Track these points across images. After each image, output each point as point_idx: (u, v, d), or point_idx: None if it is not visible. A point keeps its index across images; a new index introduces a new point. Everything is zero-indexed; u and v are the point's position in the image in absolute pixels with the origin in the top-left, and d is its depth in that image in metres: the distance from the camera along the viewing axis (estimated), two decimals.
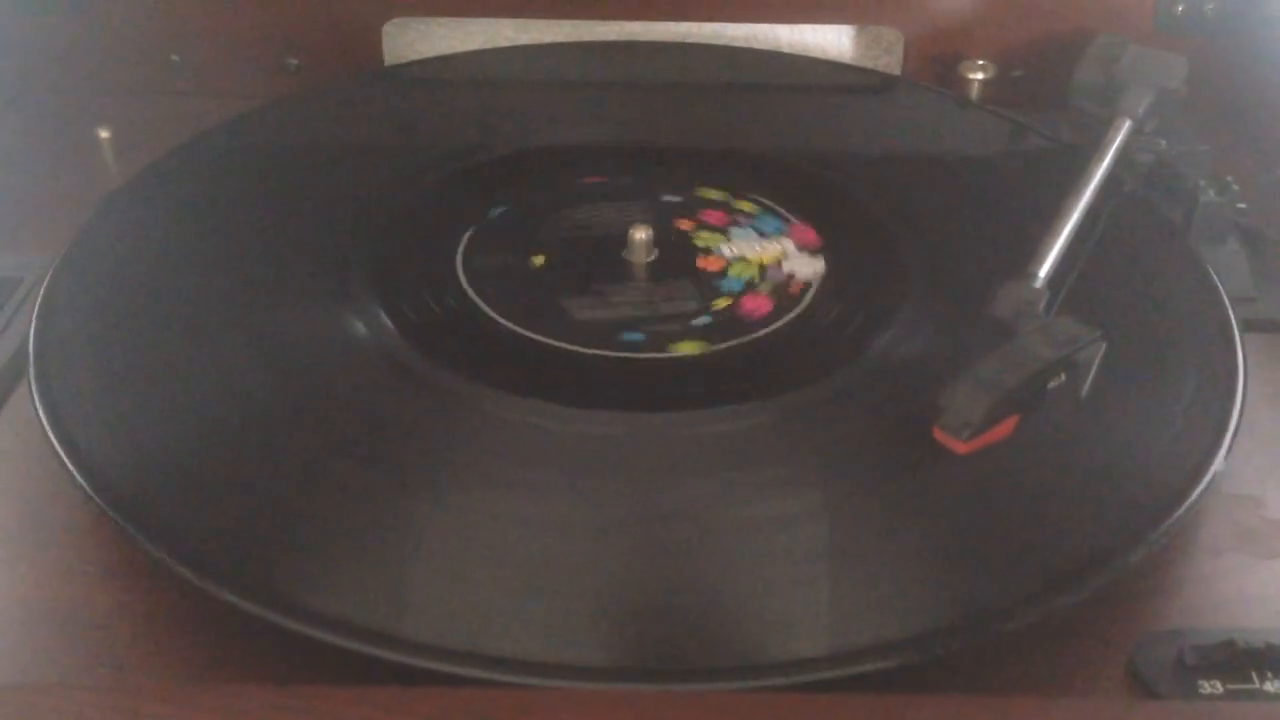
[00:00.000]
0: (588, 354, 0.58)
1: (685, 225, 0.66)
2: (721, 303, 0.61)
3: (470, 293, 0.61)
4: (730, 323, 0.60)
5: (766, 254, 0.64)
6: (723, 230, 0.66)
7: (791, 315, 0.60)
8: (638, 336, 0.59)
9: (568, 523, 0.49)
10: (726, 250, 0.64)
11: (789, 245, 0.64)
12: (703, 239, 0.65)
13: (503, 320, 0.60)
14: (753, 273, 0.63)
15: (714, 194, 0.69)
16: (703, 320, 0.60)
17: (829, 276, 0.63)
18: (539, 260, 0.64)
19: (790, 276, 0.62)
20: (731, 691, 0.43)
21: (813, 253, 0.64)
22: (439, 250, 0.64)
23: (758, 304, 0.61)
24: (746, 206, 0.68)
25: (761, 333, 0.59)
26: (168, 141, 0.72)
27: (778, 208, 0.68)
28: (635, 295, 0.62)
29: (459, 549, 0.48)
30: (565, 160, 0.72)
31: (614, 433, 0.54)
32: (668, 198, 0.68)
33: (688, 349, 0.58)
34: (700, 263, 0.64)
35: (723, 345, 0.58)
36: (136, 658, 0.47)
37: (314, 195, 0.69)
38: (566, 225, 0.66)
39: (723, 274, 0.63)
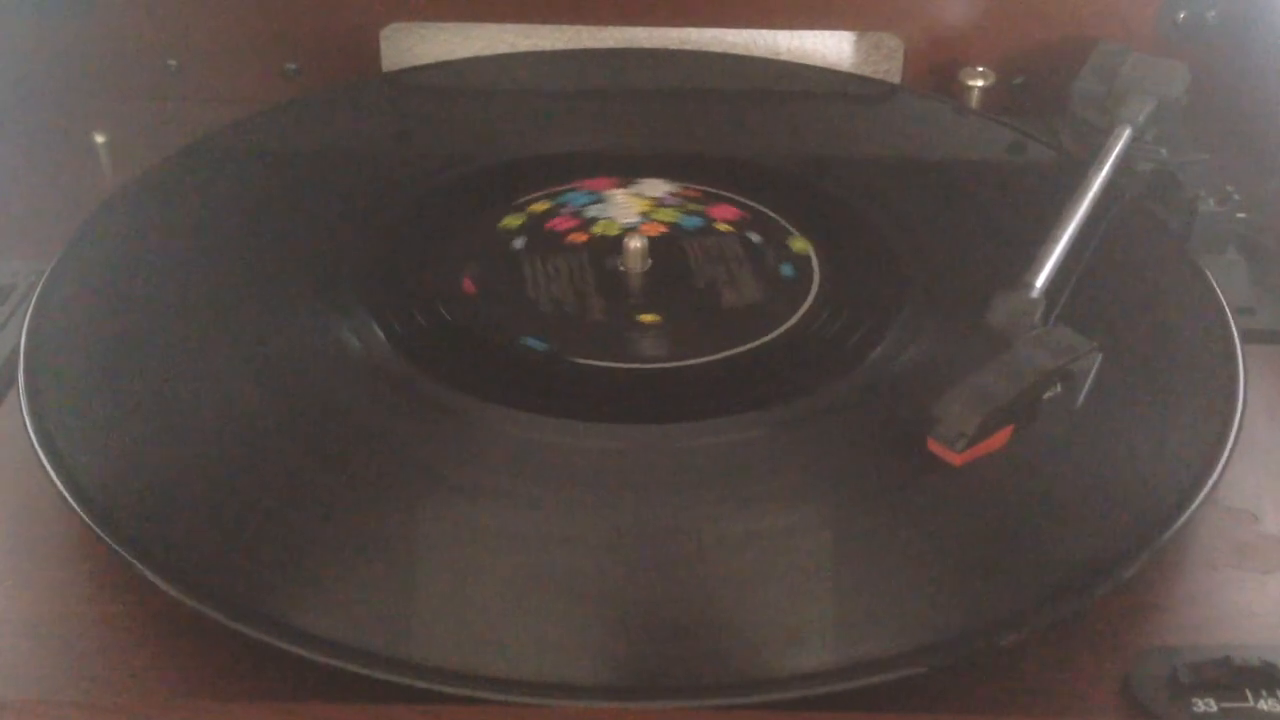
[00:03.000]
0: (583, 366, 0.57)
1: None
2: (644, 319, 0.61)
3: (465, 304, 0.61)
4: (613, 345, 0.59)
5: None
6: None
7: (787, 325, 0.60)
8: (524, 318, 0.60)
9: (561, 538, 0.49)
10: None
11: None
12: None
13: (498, 331, 0.59)
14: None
15: (799, 245, 0.66)
16: (592, 331, 0.60)
17: (822, 287, 0.62)
18: (535, 270, 0.63)
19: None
20: (730, 708, 0.43)
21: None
22: (435, 260, 0.64)
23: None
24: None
25: (758, 342, 0.59)
26: (164, 147, 0.72)
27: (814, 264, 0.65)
28: (580, 293, 0.62)
29: (452, 566, 0.48)
30: (563, 168, 0.72)
31: (610, 446, 0.53)
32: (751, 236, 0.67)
33: (542, 346, 0.58)
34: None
35: (581, 360, 0.58)
36: (124, 674, 0.46)
37: (310, 202, 0.68)
38: (563, 234, 0.66)
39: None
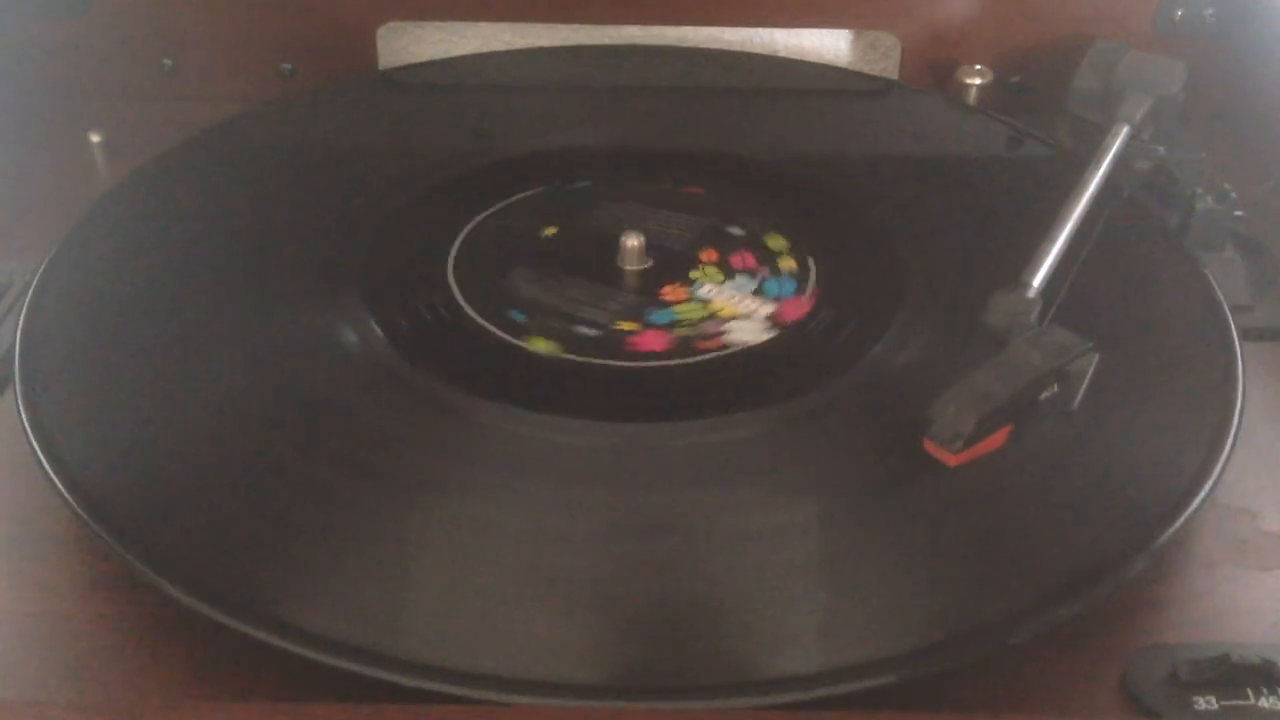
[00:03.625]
0: (581, 363, 0.57)
1: (707, 255, 0.65)
2: (623, 325, 0.59)
3: (462, 301, 0.61)
4: (609, 344, 0.58)
5: (728, 308, 0.61)
6: (729, 273, 0.63)
7: (783, 327, 0.60)
8: (519, 317, 0.60)
9: (557, 536, 0.49)
10: (705, 290, 0.62)
11: (763, 310, 0.61)
12: (703, 272, 0.63)
13: (494, 329, 0.59)
14: (692, 317, 0.61)
15: (776, 243, 0.65)
16: (587, 331, 0.59)
17: (776, 341, 0.60)
18: (533, 265, 0.63)
19: (717, 335, 0.59)
20: (724, 710, 0.43)
21: (773, 326, 0.60)
22: (431, 257, 0.64)
23: (652, 340, 0.59)
24: (787, 265, 0.64)
25: (755, 341, 0.58)
26: (160, 145, 0.72)
27: (812, 273, 0.63)
28: (571, 289, 0.62)
29: (449, 563, 0.48)
30: (560, 165, 0.71)
31: (606, 443, 0.53)
32: (732, 229, 0.66)
33: (539, 345, 0.58)
34: (665, 289, 0.62)
35: (579, 357, 0.57)
36: (119, 673, 0.46)
37: (306, 200, 0.68)
38: (561, 231, 0.66)
39: (667, 306, 0.61)
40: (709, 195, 0.69)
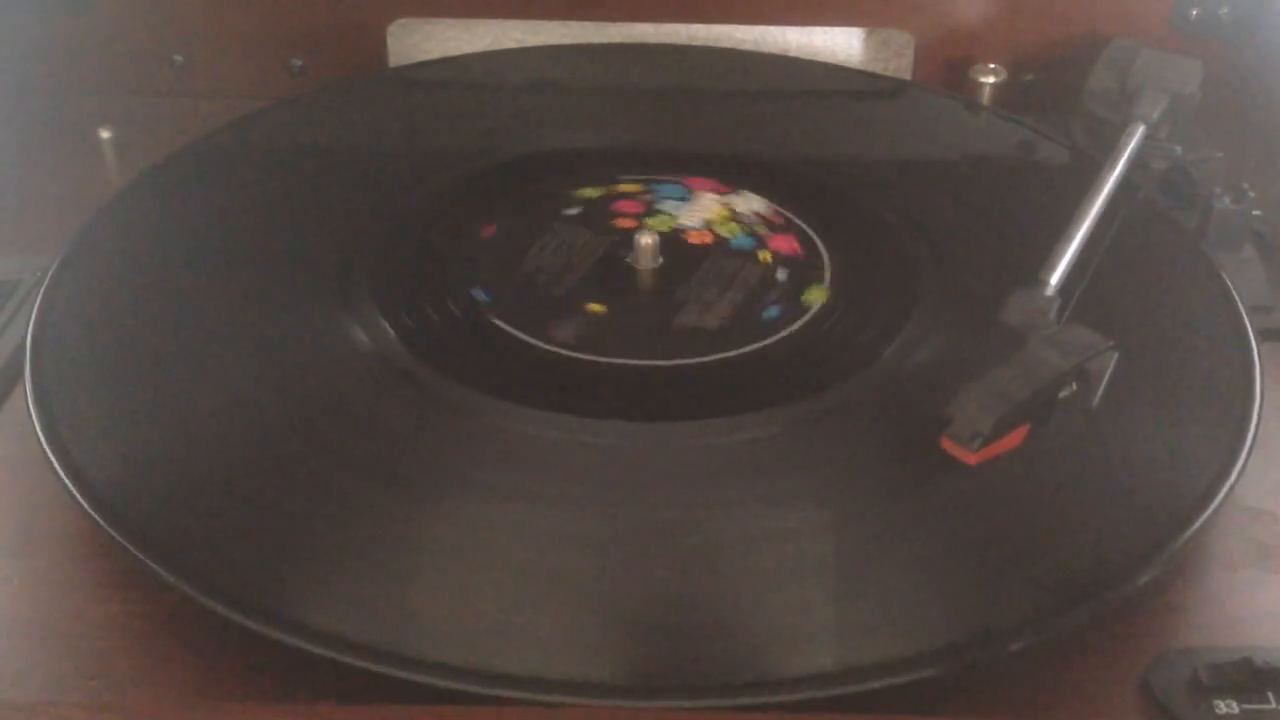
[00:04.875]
0: (593, 362, 0.57)
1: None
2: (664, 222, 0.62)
3: (474, 299, 0.60)
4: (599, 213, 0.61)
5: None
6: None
7: (799, 324, 0.59)
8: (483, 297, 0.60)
9: (570, 535, 0.49)
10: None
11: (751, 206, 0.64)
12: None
13: (507, 328, 0.59)
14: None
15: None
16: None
17: (834, 285, 0.61)
18: (546, 267, 0.63)
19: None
20: (735, 709, 0.42)
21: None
22: (443, 256, 0.63)
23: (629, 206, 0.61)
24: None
25: (770, 340, 0.58)
26: (170, 143, 0.71)
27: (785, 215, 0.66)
28: (579, 279, 0.62)
29: (461, 562, 0.48)
30: (572, 164, 0.71)
31: (619, 443, 0.53)
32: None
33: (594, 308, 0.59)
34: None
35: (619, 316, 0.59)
36: (131, 673, 0.46)
37: (317, 199, 0.68)
38: (574, 230, 0.66)
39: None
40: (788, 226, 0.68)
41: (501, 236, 0.65)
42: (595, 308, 0.60)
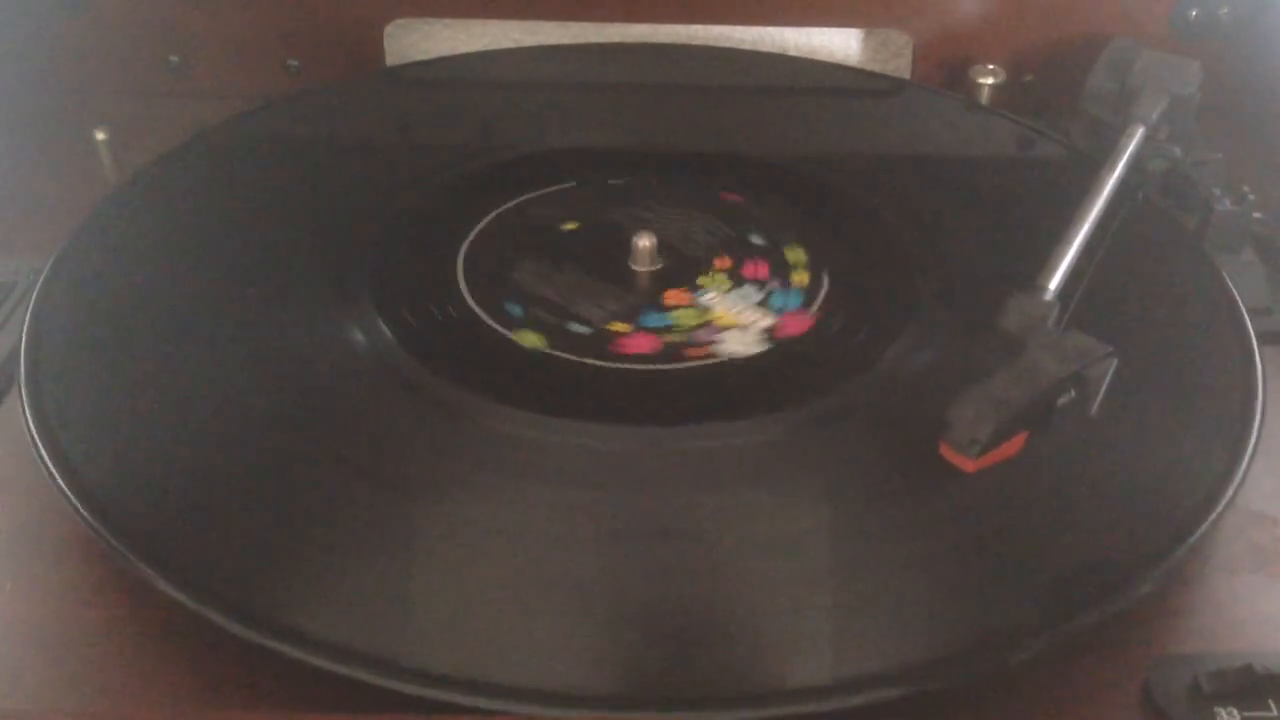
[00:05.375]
0: (591, 365, 0.57)
1: (721, 262, 0.63)
2: (615, 327, 0.59)
3: (471, 302, 0.60)
4: (595, 343, 0.58)
5: (727, 318, 0.60)
6: (739, 282, 0.62)
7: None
8: (517, 310, 0.59)
9: (568, 541, 0.48)
10: (707, 298, 0.61)
11: (763, 323, 0.59)
12: (711, 279, 0.62)
13: (504, 330, 0.58)
14: (687, 323, 0.60)
15: (795, 256, 0.64)
16: (578, 328, 0.59)
17: (831, 289, 0.61)
18: (545, 264, 0.63)
19: (707, 344, 0.58)
20: None
21: (769, 340, 0.58)
22: (440, 257, 0.63)
23: (640, 343, 0.58)
24: (799, 279, 0.62)
25: (766, 345, 0.58)
26: (165, 143, 0.71)
27: (824, 289, 0.62)
28: (573, 284, 0.61)
29: (457, 569, 0.47)
30: (567, 164, 0.71)
31: (618, 447, 0.52)
32: (754, 239, 0.65)
33: (526, 339, 0.58)
34: (669, 294, 0.61)
35: (559, 353, 0.57)
36: (125, 680, 0.45)
37: (313, 199, 0.68)
38: (571, 230, 0.65)
39: (665, 310, 0.60)
40: (745, 203, 0.68)
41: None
42: (595, 311, 0.60)
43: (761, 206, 0.67)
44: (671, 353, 0.58)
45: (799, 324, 0.60)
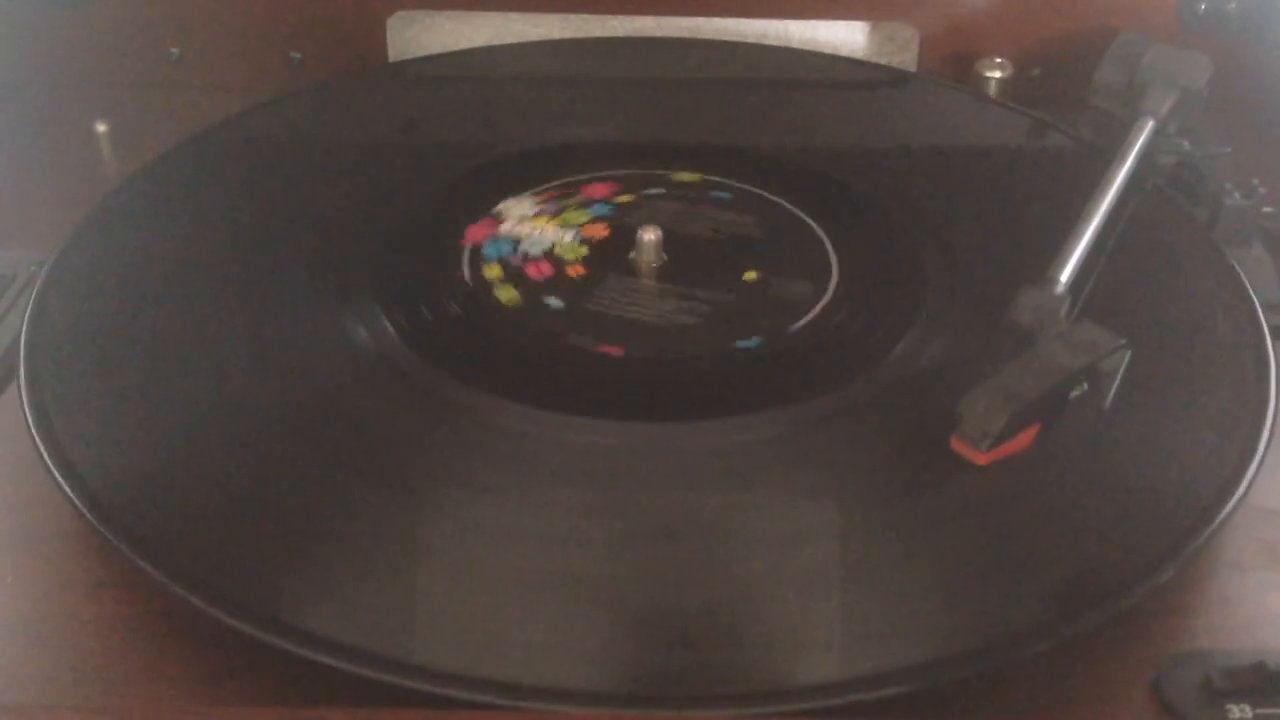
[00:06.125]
0: (596, 360, 0.56)
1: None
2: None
3: (476, 297, 0.60)
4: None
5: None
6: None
7: (804, 321, 0.58)
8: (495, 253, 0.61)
9: (573, 538, 0.48)
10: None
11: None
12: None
13: (509, 325, 0.58)
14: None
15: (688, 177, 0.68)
16: (555, 303, 0.59)
17: (840, 282, 0.60)
18: (548, 262, 0.62)
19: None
20: (741, 718, 0.41)
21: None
22: (443, 252, 0.63)
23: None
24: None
25: (773, 338, 0.57)
26: (167, 136, 0.71)
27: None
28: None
29: (460, 565, 0.47)
30: (573, 158, 0.70)
31: (621, 443, 0.52)
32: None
33: (504, 295, 0.59)
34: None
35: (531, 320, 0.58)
36: (125, 675, 0.45)
37: (316, 194, 0.67)
38: (575, 226, 0.65)
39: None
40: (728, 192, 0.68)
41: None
42: (602, 304, 0.59)
43: (766, 204, 0.67)
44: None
45: None
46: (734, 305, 0.59)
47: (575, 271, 0.62)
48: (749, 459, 0.51)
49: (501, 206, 0.65)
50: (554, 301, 0.59)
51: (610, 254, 0.63)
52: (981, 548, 0.48)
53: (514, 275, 0.61)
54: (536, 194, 0.67)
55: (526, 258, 0.62)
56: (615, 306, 0.59)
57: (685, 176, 0.69)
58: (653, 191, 0.67)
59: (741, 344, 0.57)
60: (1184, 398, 0.54)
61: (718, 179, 0.68)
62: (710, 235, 0.64)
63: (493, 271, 0.61)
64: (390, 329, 0.57)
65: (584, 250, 0.63)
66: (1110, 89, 0.73)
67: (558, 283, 0.61)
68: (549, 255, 0.62)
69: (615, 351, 0.57)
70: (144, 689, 0.44)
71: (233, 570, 0.46)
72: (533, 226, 0.64)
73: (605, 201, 0.66)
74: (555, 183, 0.68)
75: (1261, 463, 0.50)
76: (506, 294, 0.59)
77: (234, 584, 0.45)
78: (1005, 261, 0.61)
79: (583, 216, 0.65)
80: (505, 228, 0.64)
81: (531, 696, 0.41)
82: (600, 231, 0.64)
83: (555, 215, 0.65)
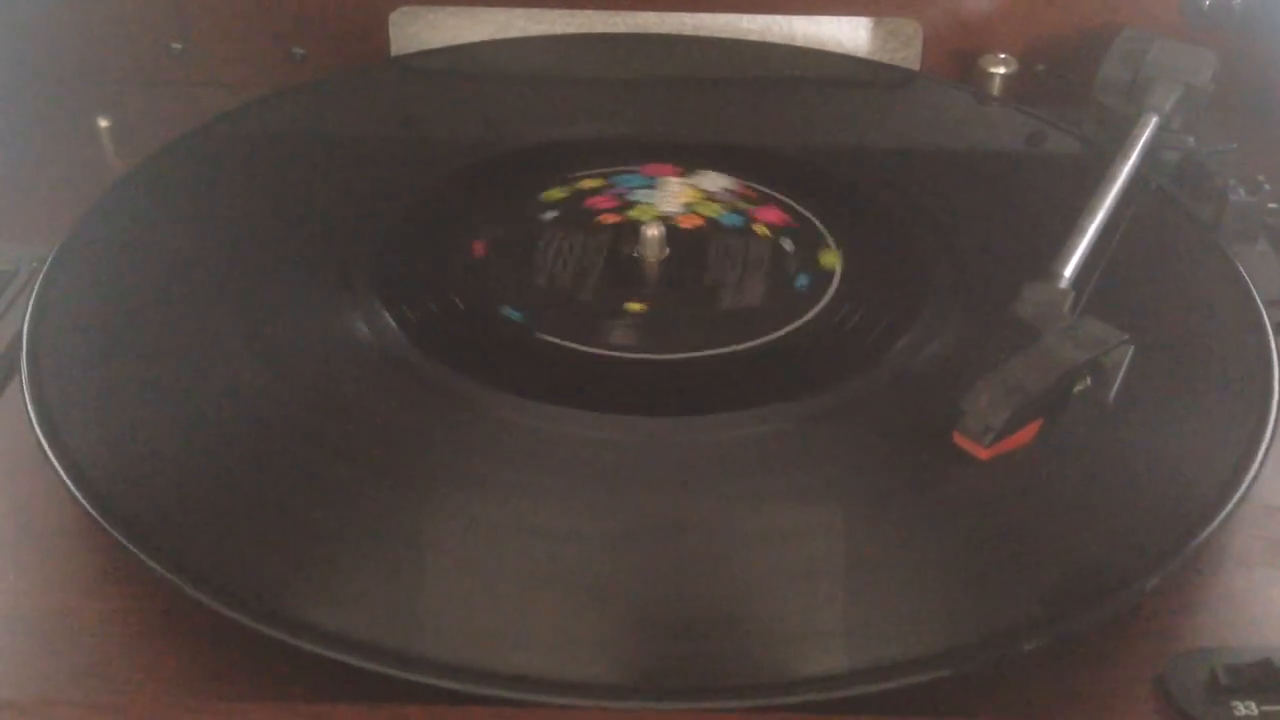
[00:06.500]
0: (600, 356, 0.56)
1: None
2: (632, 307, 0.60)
3: (479, 292, 0.60)
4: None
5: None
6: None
7: (808, 317, 0.58)
8: (516, 316, 0.59)
9: (576, 532, 0.48)
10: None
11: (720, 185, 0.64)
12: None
13: (513, 321, 0.58)
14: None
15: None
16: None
17: (843, 278, 0.60)
18: (551, 246, 0.62)
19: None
20: (744, 711, 0.41)
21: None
22: (446, 247, 0.63)
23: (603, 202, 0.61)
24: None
25: (776, 335, 0.57)
26: (168, 131, 0.70)
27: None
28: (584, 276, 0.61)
29: (464, 559, 0.47)
30: (576, 155, 0.70)
31: (626, 438, 0.52)
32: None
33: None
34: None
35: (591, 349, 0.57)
36: (128, 671, 0.45)
37: (318, 189, 0.67)
38: (597, 213, 0.65)
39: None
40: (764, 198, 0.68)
41: (494, 248, 0.63)
42: (634, 306, 0.59)
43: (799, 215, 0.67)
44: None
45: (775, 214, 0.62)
46: (737, 301, 0.59)
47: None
48: (752, 454, 0.51)
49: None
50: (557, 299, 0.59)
51: (615, 248, 0.63)
52: (985, 543, 0.47)
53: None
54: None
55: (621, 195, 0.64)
56: (618, 301, 0.59)
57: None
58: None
59: (745, 340, 0.57)
60: (1187, 393, 0.53)
61: (676, 166, 0.69)
62: (697, 222, 0.64)
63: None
64: (392, 323, 0.57)
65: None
66: (1114, 85, 0.73)
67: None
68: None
69: (618, 347, 0.57)
70: (146, 684, 0.44)
71: (236, 565, 0.46)
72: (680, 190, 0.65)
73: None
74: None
75: (1265, 458, 0.50)
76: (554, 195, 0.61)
77: (237, 578, 0.45)
78: (1008, 258, 0.61)
79: (708, 208, 0.65)
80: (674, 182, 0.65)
81: (542, 690, 0.41)
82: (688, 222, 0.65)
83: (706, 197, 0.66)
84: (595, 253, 0.62)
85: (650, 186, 0.66)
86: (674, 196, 0.65)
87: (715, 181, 0.67)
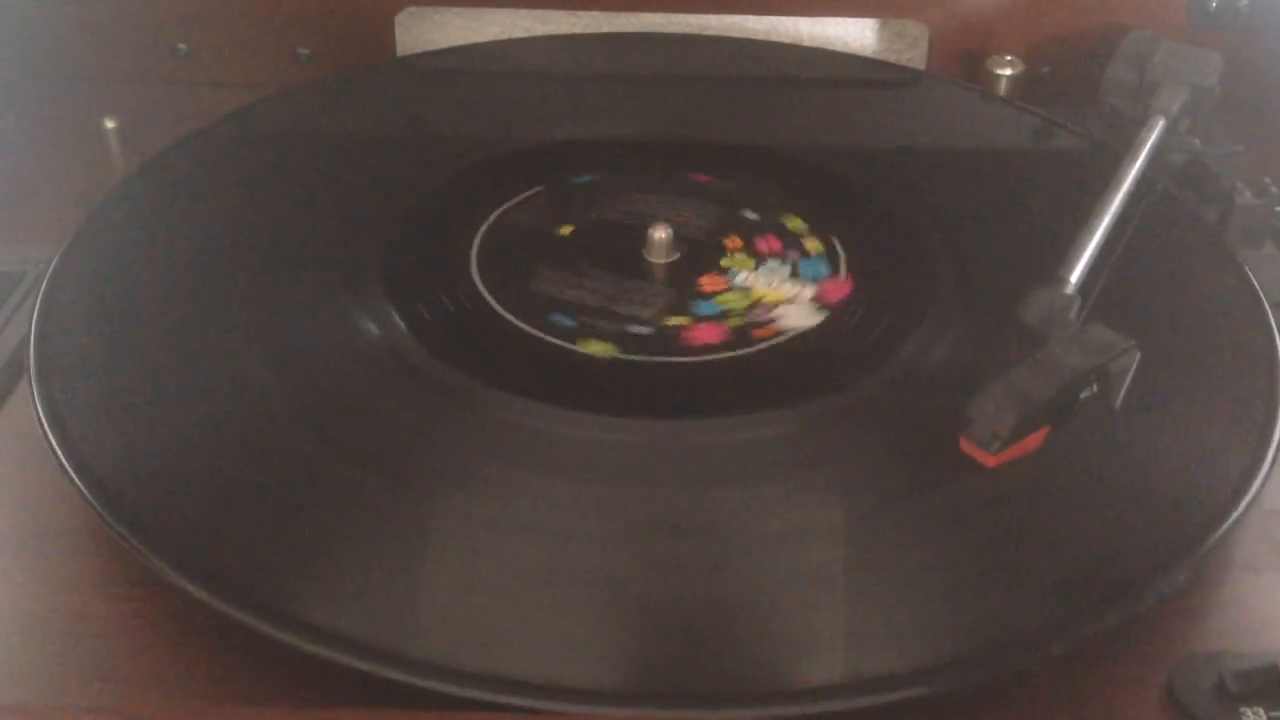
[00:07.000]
0: (606, 358, 0.56)
1: (731, 243, 0.63)
2: (674, 321, 0.58)
3: (485, 292, 0.60)
4: (664, 340, 0.57)
5: (773, 294, 0.60)
6: (758, 259, 0.62)
7: (812, 320, 0.58)
8: (566, 321, 0.58)
9: (580, 535, 0.48)
10: (741, 278, 0.61)
11: (807, 293, 0.60)
12: (733, 260, 0.62)
13: (518, 321, 0.58)
14: (739, 305, 0.59)
15: (794, 224, 0.64)
16: (639, 329, 0.58)
17: (823, 326, 0.59)
18: (559, 257, 0.62)
19: (769, 321, 0.58)
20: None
21: (822, 308, 0.59)
22: (452, 248, 0.62)
23: (706, 333, 0.57)
24: (813, 246, 0.63)
25: (781, 338, 0.57)
26: (174, 132, 0.70)
27: (841, 254, 0.63)
28: (607, 286, 0.60)
29: (470, 563, 0.47)
30: (581, 155, 0.70)
31: (632, 440, 0.52)
32: (747, 214, 0.65)
33: (594, 349, 0.56)
34: (703, 279, 0.61)
35: (635, 356, 0.56)
36: (136, 672, 0.45)
37: (323, 189, 0.67)
38: (584, 223, 0.65)
39: (709, 297, 0.60)
40: (724, 184, 0.67)
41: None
42: (643, 309, 0.59)
43: (769, 193, 0.67)
44: (742, 338, 0.57)
45: (839, 288, 0.60)
46: (742, 302, 0.59)
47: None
48: (758, 457, 0.51)
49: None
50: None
51: (620, 250, 0.62)
52: (991, 549, 0.47)
53: None
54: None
55: None
56: (624, 303, 0.59)
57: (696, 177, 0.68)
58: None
59: (749, 344, 0.57)
60: (1194, 399, 0.53)
61: (718, 173, 0.68)
62: (710, 228, 0.64)
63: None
64: (400, 323, 0.57)
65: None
66: (1121, 87, 0.73)
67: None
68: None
69: (626, 348, 0.57)
70: (154, 687, 0.44)
71: (244, 566, 0.46)
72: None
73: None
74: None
75: (1273, 463, 0.50)
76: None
77: (246, 580, 0.45)
78: (1014, 261, 0.61)
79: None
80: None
81: (543, 696, 0.41)
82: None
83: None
84: (606, 255, 0.62)
85: (794, 275, 0.62)
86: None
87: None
